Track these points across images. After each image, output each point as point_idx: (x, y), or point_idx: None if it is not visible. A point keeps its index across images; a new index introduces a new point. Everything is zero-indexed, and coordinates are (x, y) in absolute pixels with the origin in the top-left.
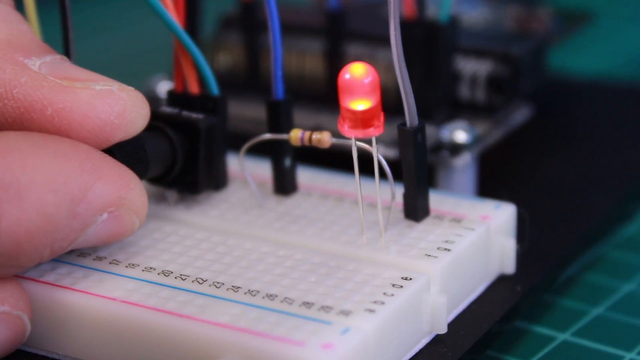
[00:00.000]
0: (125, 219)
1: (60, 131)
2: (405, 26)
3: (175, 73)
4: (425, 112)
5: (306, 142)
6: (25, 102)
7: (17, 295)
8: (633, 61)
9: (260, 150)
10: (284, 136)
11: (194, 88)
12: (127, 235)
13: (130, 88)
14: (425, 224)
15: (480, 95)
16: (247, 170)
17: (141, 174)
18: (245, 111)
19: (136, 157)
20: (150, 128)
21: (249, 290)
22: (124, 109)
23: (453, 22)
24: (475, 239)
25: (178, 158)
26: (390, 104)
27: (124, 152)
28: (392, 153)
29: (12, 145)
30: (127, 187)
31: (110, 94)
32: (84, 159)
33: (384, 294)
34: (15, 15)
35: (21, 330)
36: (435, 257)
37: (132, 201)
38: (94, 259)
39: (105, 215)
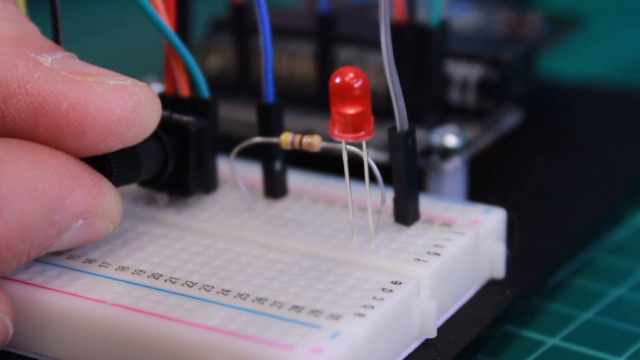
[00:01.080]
0: (100, 225)
1: (74, 126)
2: (396, 30)
3: (166, 75)
4: (416, 116)
5: (296, 146)
6: (39, 97)
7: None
8: (623, 66)
9: (250, 154)
10: (274, 139)
11: (184, 91)
12: (100, 239)
13: (143, 84)
14: (415, 228)
15: (471, 99)
16: (238, 174)
17: (134, 178)
18: (236, 114)
19: (130, 161)
20: None
21: (238, 293)
22: (138, 104)
23: (444, 26)
24: (465, 243)
25: (169, 161)
26: (380, 108)
27: (118, 156)
28: (383, 157)
29: None
30: (103, 195)
31: (124, 89)
32: (62, 167)
33: (374, 298)
34: (22, 15)
35: (3, 332)
36: (425, 261)
37: (107, 208)
38: (84, 262)
39: (80, 222)
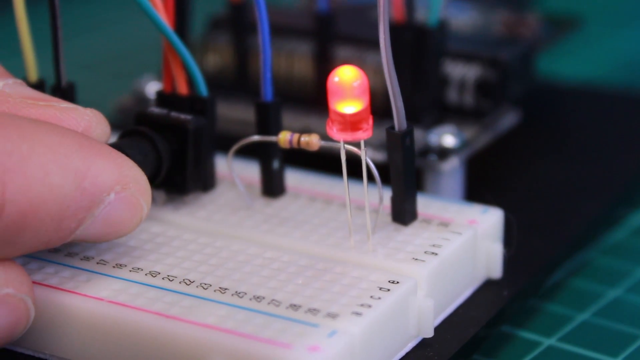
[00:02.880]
0: (133, 202)
1: None
2: (395, 30)
3: (164, 74)
4: (414, 116)
5: (295, 145)
6: None
7: (22, 279)
8: (621, 67)
9: (248, 152)
10: (272, 138)
11: (182, 89)
12: (136, 222)
13: (92, 108)
14: (413, 228)
15: (469, 99)
16: (236, 172)
17: None
18: (234, 113)
19: None
20: (134, 134)
21: (236, 292)
22: (89, 124)
23: (442, 26)
24: (462, 243)
25: (163, 164)
26: (378, 108)
27: None
28: (381, 156)
29: (7, 121)
30: (127, 165)
31: (75, 110)
32: (81, 136)
33: (371, 297)
34: None
35: (25, 314)
36: (423, 260)
37: (136, 179)
38: (82, 259)
39: (112, 196)
